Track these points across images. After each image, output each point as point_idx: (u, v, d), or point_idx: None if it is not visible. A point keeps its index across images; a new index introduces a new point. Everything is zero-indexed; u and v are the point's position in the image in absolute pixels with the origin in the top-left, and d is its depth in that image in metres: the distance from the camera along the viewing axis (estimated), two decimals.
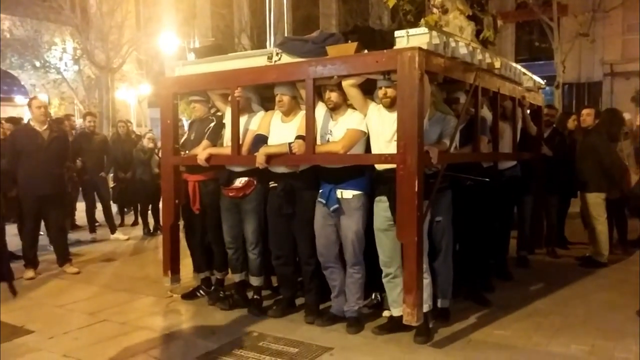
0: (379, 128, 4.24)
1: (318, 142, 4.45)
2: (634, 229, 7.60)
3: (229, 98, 4.72)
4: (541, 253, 7.05)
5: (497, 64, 4.97)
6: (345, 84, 4.25)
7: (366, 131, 4.34)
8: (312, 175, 4.57)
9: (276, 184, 4.66)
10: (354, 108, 4.43)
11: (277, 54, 4.57)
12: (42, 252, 7.01)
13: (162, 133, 5.06)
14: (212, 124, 4.98)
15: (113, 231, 8.90)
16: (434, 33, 4.09)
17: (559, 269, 6.52)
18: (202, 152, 4.78)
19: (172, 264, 5.15)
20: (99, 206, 9.08)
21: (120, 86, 24.63)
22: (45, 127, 6.41)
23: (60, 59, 23.00)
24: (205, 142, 4.90)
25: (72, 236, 8.54)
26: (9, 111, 20.21)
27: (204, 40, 22.73)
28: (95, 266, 7.05)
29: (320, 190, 4.50)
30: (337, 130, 4.41)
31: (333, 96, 4.38)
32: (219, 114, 5.10)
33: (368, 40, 4.20)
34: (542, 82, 6.75)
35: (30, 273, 6.33)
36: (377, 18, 22.09)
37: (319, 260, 4.62)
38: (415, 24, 10.36)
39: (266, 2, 19.63)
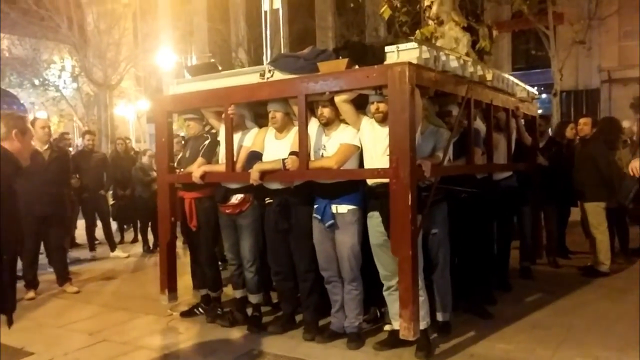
0: (372, 142, 4.27)
1: (312, 157, 4.49)
2: (636, 237, 7.57)
3: (223, 115, 4.76)
4: (542, 263, 7.02)
5: (489, 76, 5.02)
6: (338, 99, 4.28)
7: (359, 146, 4.37)
8: (306, 190, 4.59)
9: (272, 200, 4.69)
10: (346, 123, 4.46)
11: (269, 71, 4.62)
12: (42, 271, 7.01)
13: (156, 151, 5.11)
14: (206, 142, 5.03)
15: (113, 249, 8.90)
16: (424, 47, 4.14)
17: (560, 279, 6.51)
18: (196, 169, 4.82)
19: (169, 282, 5.17)
20: (98, 224, 9.09)
21: (119, 103, 24.79)
22: (46, 147, 6.43)
23: (59, 76, 23.21)
24: (200, 160, 4.93)
25: (72, 254, 8.56)
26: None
27: (202, 56, 22.92)
28: (95, 285, 7.07)
29: (316, 206, 4.52)
30: (331, 146, 4.44)
31: (325, 112, 4.42)
32: (214, 131, 5.14)
33: (359, 56, 4.23)
34: (536, 92, 6.79)
35: (30, 294, 6.33)
36: (374, 30, 22.25)
37: (316, 276, 4.65)
38: (411, 35, 10.42)
39: (262, 17, 19.82)
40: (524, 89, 6.26)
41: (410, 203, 3.88)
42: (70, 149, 9.96)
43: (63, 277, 6.68)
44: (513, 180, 5.95)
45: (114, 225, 9.50)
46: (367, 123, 4.34)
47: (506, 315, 5.10)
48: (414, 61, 4.01)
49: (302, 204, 4.60)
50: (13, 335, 4.55)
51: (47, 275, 7.10)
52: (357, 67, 4.22)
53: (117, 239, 9.50)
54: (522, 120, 6.18)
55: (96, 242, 9.09)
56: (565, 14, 17.51)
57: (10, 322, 3.12)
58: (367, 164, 4.33)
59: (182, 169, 5.14)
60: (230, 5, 24.76)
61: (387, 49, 4.16)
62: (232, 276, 5.18)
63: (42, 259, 7.03)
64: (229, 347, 4.64)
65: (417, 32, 10.02)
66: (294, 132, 4.57)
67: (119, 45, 22.14)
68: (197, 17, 25.08)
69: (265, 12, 18.91)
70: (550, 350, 4.33)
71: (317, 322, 4.78)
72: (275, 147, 4.66)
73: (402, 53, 4.11)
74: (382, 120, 4.15)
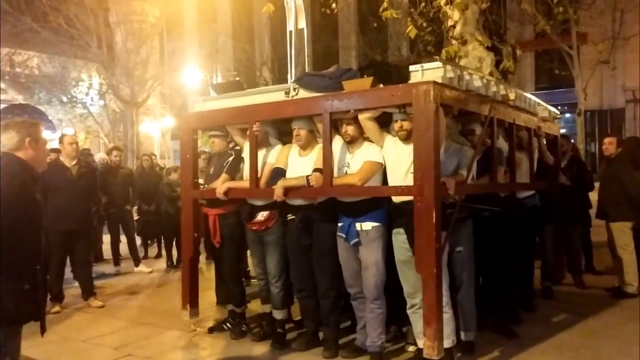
0: (396, 160, 4.27)
1: (335, 175, 4.50)
2: None
3: (248, 132, 4.81)
4: (568, 284, 6.89)
5: (512, 96, 5.01)
6: (362, 117, 4.30)
7: (383, 163, 4.38)
8: (329, 207, 4.59)
9: (294, 217, 4.71)
10: (370, 141, 4.47)
11: (294, 89, 4.66)
12: (67, 285, 7.06)
13: (181, 167, 5.17)
14: (230, 158, 5.06)
15: (137, 264, 8.94)
16: (449, 67, 4.15)
17: (586, 300, 6.36)
18: (220, 185, 4.85)
19: (191, 298, 5.17)
20: (123, 239, 9.14)
21: (145, 120, 25.15)
22: (74, 162, 6.52)
23: (87, 94, 23.65)
24: (224, 176, 4.97)
25: (97, 269, 8.59)
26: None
27: (226, 74, 23.17)
28: (119, 299, 7.08)
29: (340, 224, 4.52)
30: (354, 163, 4.45)
31: (350, 129, 4.44)
32: (238, 148, 5.18)
33: (383, 75, 4.26)
34: (557, 111, 6.75)
35: (56, 307, 6.36)
36: (396, 49, 22.35)
37: (337, 294, 4.64)
38: (435, 54, 10.46)
39: (287, 36, 19.98)
40: (546, 108, 6.23)
41: (434, 220, 3.86)
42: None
43: (88, 291, 6.72)
44: (536, 199, 5.90)
45: (138, 240, 9.54)
46: (391, 141, 4.35)
47: (532, 335, 5.02)
48: (439, 80, 4.01)
49: (324, 221, 4.60)
50: (38, 349, 4.75)
51: (72, 289, 7.14)
52: (381, 85, 4.25)
53: (141, 254, 9.54)
54: (544, 140, 6.15)
55: (120, 257, 9.16)
56: (588, 33, 17.46)
57: (43, 330, 3.14)
58: (391, 182, 4.33)
59: (206, 185, 5.19)
60: (255, 25, 25.08)
61: (412, 68, 4.18)
62: (261, 291, 5.18)
63: (68, 273, 7.07)
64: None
65: (443, 51, 10.06)
66: (317, 149, 4.60)
67: (146, 64, 22.57)
68: (222, 36, 25.42)
69: (290, 31, 19.02)
70: None
71: (337, 341, 4.74)
72: (298, 164, 4.68)
73: (426, 72, 4.12)
74: (406, 138, 4.16)
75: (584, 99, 16.55)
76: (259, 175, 4.79)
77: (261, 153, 4.88)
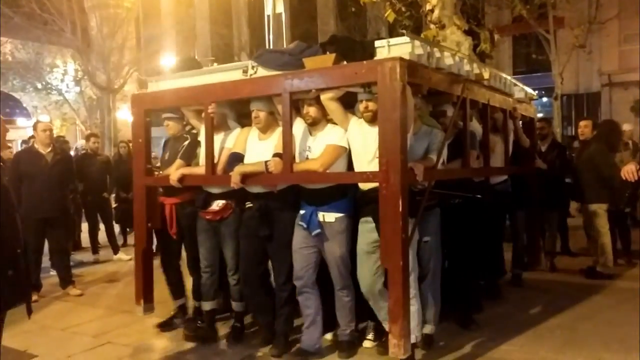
0: (361, 144, 3.89)
1: (297, 159, 4.12)
2: (637, 239, 7.40)
3: (203, 114, 4.39)
4: (541, 270, 6.65)
5: (486, 75, 4.65)
6: (324, 97, 3.90)
7: (347, 147, 3.99)
8: (290, 195, 4.20)
9: (252, 205, 4.32)
10: (334, 123, 4.08)
11: (252, 67, 4.22)
12: (44, 274, 6.84)
13: (133, 152, 4.74)
14: (186, 142, 4.63)
15: (116, 252, 8.66)
16: (417, 42, 3.76)
17: (559, 284, 6.16)
18: (174, 172, 4.43)
19: (145, 292, 4.75)
20: (101, 227, 8.84)
21: (122, 106, 24.41)
22: (49, 149, 6.29)
23: (62, 80, 22.87)
24: (178, 162, 4.54)
25: (75, 257, 8.34)
26: (11, 133, 20.02)
27: (204, 60, 22.55)
28: (98, 287, 6.86)
29: (301, 212, 4.14)
30: (316, 147, 4.05)
31: (311, 111, 4.03)
32: (194, 131, 4.74)
33: (347, 51, 3.85)
34: (534, 93, 6.41)
35: (34, 296, 6.01)
36: (375, 34, 21.85)
37: (294, 287, 4.24)
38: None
39: (265, 21, 19.49)
40: (522, 89, 5.88)
41: (401, 209, 3.49)
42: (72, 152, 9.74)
43: (66, 279, 6.54)
44: (507, 185, 5.61)
45: (116, 228, 9.25)
46: (356, 123, 3.97)
47: (499, 326, 4.77)
48: (406, 57, 3.64)
49: (284, 210, 4.20)
50: (16, 338, 4.65)
51: (50, 278, 6.90)
52: (345, 63, 3.86)
53: (119, 241, 9.25)
54: (520, 122, 5.81)
55: (99, 245, 8.81)
56: (565, 18, 17.19)
57: (30, 312, 2.99)
58: (357, 167, 3.95)
59: (161, 172, 4.77)
60: (233, 9, 24.41)
61: (377, 43, 3.79)
62: (203, 285, 4.69)
63: (45, 261, 6.82)
64: (236, 348, 4.45)
65: (421, 35, 9.90)
66: (278, 132, 4.17)
67: (122, 49, 21.82)
68: (200, 21, 24.72)
69: (268, 16, 18.56)
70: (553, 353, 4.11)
71: (287, 337, 4.36)
72: (258, 148, 4.28)
73: (393, 48, 3.74)
74: (372, 120, 3.77)
75: (561, 83, 16.29)
76: (215, 160, 4.38)
77: (218, 137, 4.46)
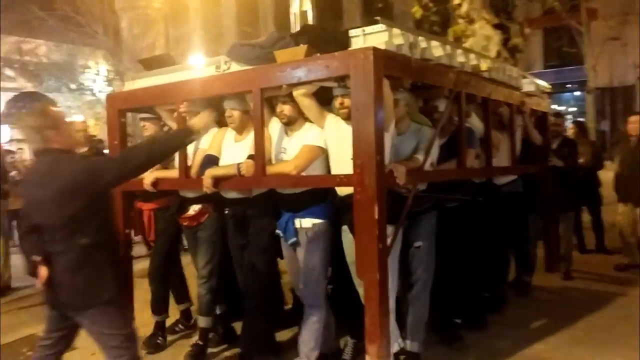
0: (338, 144, 3.49)
1: (273, 162, 3.76)
2: None
3: (174, 114, 4.05)
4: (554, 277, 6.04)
5: (484, 66, 4.18)
6: (296, 93, 3.50)
7: (324, 147, 3.61)
8: (267, 201, 3.83)
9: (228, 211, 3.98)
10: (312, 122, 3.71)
11: (225, 62, 3.86)
12: None
13: (110, 155, 4.44)
14: None
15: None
16: (396, 31, 3.33)
17: (564, 297, 5.52)
18: (148, 175, 4.11)
19: None
20: None
21: None
22: (86, 149, 5.95)
23: (94, 81, 23.03)
24: None
25: None
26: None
27: (220, 59, 22.31)
28: (135, 283, 6.61)
29: (279, 221, 3.79)
30: (292, 148, 3.66)
31: (286, 109, 3.65)
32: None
33: (319, 42, 3.44)
34: (548, 85, 5.87)
35: None
36: None
37: (264, 298, 3.87)
38: (441, 35, 9.76)
39: (291, 18, 19.17)
40: (532, 82, 5.35)
41: (376, 216, 3.08)
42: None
43: None
44: (517, 185, 5.08)
45: None
46: (333, 121, 3.57)
47: (502, 344, 4.27)
48: (382, 46, 3.23)
49: (260, 217, 3.85)
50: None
51: None
52: (318, 55, 3.46)
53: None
54: (530, 117, 5.30)
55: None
56: (598, 9, 16.43)
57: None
58: (334, 169, 3.56)
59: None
60: (260, 8, 24.18)
61: (352, 32, 3.38)
62: (199, 297, 4.29)
63: None
64: None
65: (449, 31, 9.55)
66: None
67: (152, 49, 21.80)
68: (226, 20, 24.57)
69: (294, 14, 18.22)
70: None
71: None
72: (234, 150, 3.90)
73: (369, 37, 3.31)
74: (348, 117, 3.35)
75: (594, 77, 15.53)
76: (190, 163, 4.05)
77: None
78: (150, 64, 4.33)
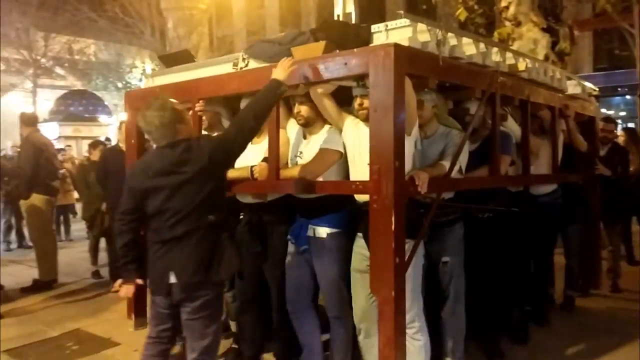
0: (356, 147, 3.21)
1: (290, 165, 3.51)
2: None
3: (190, 113, 3.84)
4: (598, 294, 5.56)
5: (522, 66, 3.82)
6: (313, 92, 3.25)
7: (342, 151, 3.33)
8: (284, 206, 3.60)
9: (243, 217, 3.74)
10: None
11: (243, 59, 3.65)
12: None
13: (126, 155, 4.28)
14: None
15: None
16: (421, 26, 3.05)
17: (611, 315, 5.06)
18: None
19: (137, 306, 4.29)
20: None
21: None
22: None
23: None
24: None
25: None
26: (94, 130, 20.67)
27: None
28: None
29: (293, 225, 3.54)
30: (309, 151, 3.41)
31: (303, 110, 3.40)
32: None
33: (339, 38, 3.18)
34: (595, 88, 5.44)
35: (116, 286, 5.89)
36: None
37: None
38: (487, 37, 9.42)
39: (335, 18, 18.94)
40: (578, 84, 4.96)
41: (393, 227, 2.80)
42: None
43: None
44: (555, 196, 4.67)
45: None
46: (352, 123, 3.30)
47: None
48: (405, 42, 2.95)
49: (277, 223, 3.61)
50: (101, 326, 4.82)
51: None
52: (338, 51, 3.19)
53: None
54: (574, 121, 4.89)
55: None
56: None
57: None
58: (352, 175, 3.28)
59: None
60: (303, 10, 24.04)
61: (374, 28, 3.12)
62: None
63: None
64: None
65: (495, 33, 9.22)
66: None
67: (196, 50, 21.95)
68: (269, 21, 24.54)
69: (338, 15, 18.00)
70: None
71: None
72: (250, 152, 3.66)
73: (392, 33, 3.06)
74: (368, 119, 3.09)
75: None
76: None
77: None
78: (169, 60, 4.15)
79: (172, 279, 2.83)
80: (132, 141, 4.13)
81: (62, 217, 10.08)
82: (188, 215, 2.80)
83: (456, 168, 3.34)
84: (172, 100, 3.03)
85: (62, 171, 8.89)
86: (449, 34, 3.25)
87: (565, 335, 4.42)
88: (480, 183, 3.65)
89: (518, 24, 8.32)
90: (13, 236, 9.67)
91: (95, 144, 7.89)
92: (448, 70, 3.23)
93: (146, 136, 3.51)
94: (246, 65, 3.63)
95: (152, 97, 3.12)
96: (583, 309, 5.13)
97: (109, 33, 22.38)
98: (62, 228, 10.14)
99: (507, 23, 8.42)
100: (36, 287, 6.28)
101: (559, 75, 4.57)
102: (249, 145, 3.61)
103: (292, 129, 3.60)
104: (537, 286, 4.59)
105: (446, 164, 3.27)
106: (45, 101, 23.26)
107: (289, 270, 3.56)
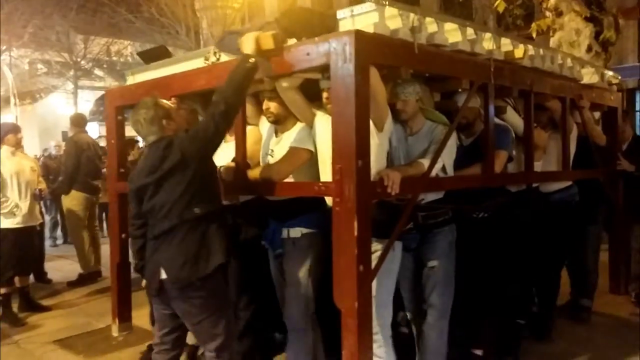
0: (326, 144, 2.95)
1: (262, 164, 3.28)
2: None
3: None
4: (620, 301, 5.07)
5: (519, 53, 3.46)
6: (278, 87, 3.01)
7: (313, 150, 3.08)
8: (255, 208, 3.37)
9: None
10: None
11: (214, 53, 3.43)
12: None
13: (108, 154, 4.13)
14: None
15: None
16: (390, 11, 2.75)
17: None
18: None
19: (121, 309, 4.14)
20: None
21: None
22: None
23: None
24: None
25: None
26: (127, 129, 20.92)
27: None
28: None
29: (266, 230, 3.30)
30: (279, 150, 3.17)
31: (272, 106, 3.15)
32: None
33: (303, 25, 2.90)
34: (617, 75, 4.98)
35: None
36: (482, 23, 20.14)
37: (255, 314, 3.43)
38: (525, 29, 8.99)
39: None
40: (596, 71, 4.54)
41: (356, 233, 2.54)
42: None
43: None
44: (571, 193, 4.27)
45: None
46: (323, 119, 3.04)
47: None
48: (370, 29, 2.67)
49: (249, 226, 3.38)
50: (144, 319, 4.49)
51: None
52: (294, 41, 2.92)
53: None
54: (591, 113, 4.47)
55: None
56: None
57: None
58: (322, 175, 3.03)
59: None
60: (335, 7, 23.74)
61: (340, 14, 2.84)
62: None
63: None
64: None
65: (533, 24, 8.85)
66: (248, 132, 3.36)
67: None
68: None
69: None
70: None
71: None
72: (225, 151, 3.46)
73: (358, 19, 2.77)
74: None
75: None
76: None
77: None
78: (148, 57, 3.96)
79: (163, 275, 2.78)
80: (112, 141, 3.97)
81: (104, 214, 10.19)
82: (171, 210, 2.76)
83: (438, 166, 3.04)
84: (159, 98, 2.94)
85: (104, 170, 8.96)
86: (428, 19, 2.94)
87: (578, 350, 4.00)
88: (467, 182, 3.31)
89: (559, 14, 8.02)
90: (59, 232, 9.86)
91: (130, 143, 7.87)
92: (425, 59, 2.92)
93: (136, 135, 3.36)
94: (218, 60, 3.42)
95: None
96: (600, 316, 4.69)
97: (145, 34, 22.63)
98: (105, 224, 10.26)
99: (548, 13, 8.12)
100: (81, 280, 6.39)
101: (570, 63, 4.18)
102: (223, 143, 3.41)
103: (265, 126, 3.36)
104: (542, 295, 4.20)
105: (425, 162, 2.97)
106: (86, 102, 23.68)
107: (276, 281, 3.35)
